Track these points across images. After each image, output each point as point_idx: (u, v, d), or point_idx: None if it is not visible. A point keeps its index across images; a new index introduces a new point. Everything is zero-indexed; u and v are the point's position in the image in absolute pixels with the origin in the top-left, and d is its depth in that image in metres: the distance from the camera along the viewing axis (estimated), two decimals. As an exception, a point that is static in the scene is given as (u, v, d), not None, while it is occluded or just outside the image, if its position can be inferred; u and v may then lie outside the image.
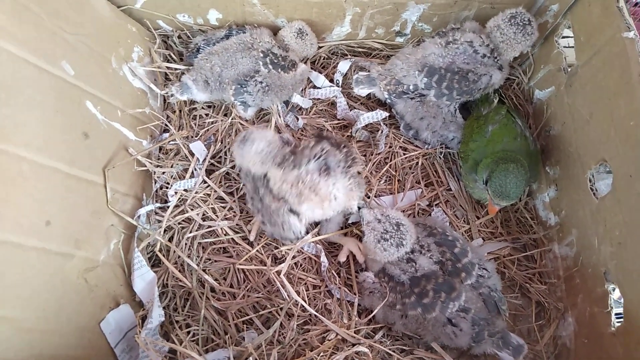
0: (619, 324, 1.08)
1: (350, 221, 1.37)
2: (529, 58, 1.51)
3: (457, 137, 1.43)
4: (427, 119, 1.42)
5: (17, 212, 0.97)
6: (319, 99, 1.56)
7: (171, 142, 1.44)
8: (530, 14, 1.35)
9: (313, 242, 1.31)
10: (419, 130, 1.46)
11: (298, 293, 1.24)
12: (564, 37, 1.38)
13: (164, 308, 1.23)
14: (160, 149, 1.46)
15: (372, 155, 1.48)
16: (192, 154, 1.42)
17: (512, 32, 1.32)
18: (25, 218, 0.98)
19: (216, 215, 1.36)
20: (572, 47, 1.30)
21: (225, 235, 1.35)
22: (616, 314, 1.10)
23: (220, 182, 1.41)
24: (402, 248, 1.15)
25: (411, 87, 1.39)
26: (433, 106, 1.39)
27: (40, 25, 1.10)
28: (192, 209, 1.36)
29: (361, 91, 1.48)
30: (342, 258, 1.31)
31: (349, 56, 1.63)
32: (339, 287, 1.28)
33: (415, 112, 1.42)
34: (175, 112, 1.50)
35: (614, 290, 1.12)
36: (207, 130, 1.47)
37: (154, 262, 1.33)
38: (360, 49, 1.64)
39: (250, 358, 1.08)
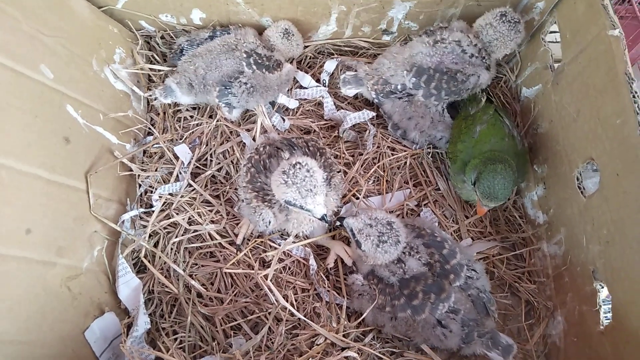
0: (607, 323, 1.08)
1: (337, 223, 1.36)
2: (516, 56, 1.50)
3: (445, 136, 1.42)
4: (415, 119, 1.40)
5: (-4, 221, 0.94)
6: (305, 99, 1.54)
7: (155, 146, 1.42)
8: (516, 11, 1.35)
9: (301, 245, 1.30)
10: (406, 130, 1.44)
11: (286, 297, 1.22)
12: (550, 34, 1.37)
13: (150, 315, 1.21)
14: (144, 152, 1.43)
15: (360, 155, 1.47)
16: (177, 157, 1.39)
17: (505, 29, 1.32)
18: (4, 227, 0.96)
19: (202, 219, 1.34)
20: (559, 43, 1.29)
21: (212, 239, 1.33)
22: (605, 313, 1.10)
23: (206, 185, 1.39)
24: (399, 245, 1.14)
25: (399, 87, 1.38)
26: (421, 106, 1.38)
27: (17, 29, 1.07)
28: (177, 214, 1.33)
29: (348, 91, 1.46)
30: (330, 263, 1.30)
31: (336, 55, 1.61)
32: (328, 290, 1.27)
33: (403, 112, 1.41)
34: (159, 114, 1.48)
35: (602, 288, 1.12)
36: (192, 132, 1.45)
37: (140, 268, 1.30)
38: (346, 48, 1.62)
39: (238, 365, 1.07)
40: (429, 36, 1.38)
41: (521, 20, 1.33)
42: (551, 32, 1.37)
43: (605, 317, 1.10)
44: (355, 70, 1.50)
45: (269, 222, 1.15)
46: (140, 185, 1.37)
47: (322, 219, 1.07)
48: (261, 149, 1.17)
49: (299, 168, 1.01)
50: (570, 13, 1.24)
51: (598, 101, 1.11)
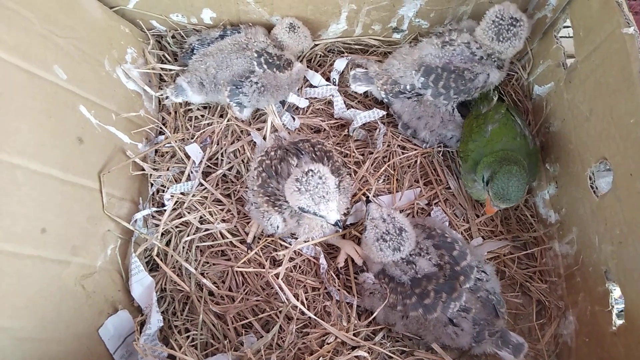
0: (620, 323, 1.07)
1: (348, 222, 1.36)
2: (528, 53, 1.49)
3: (455, 135, 1.42)
4: (424, 119, 1.40)
5: (11, 220, 0.95)
6: (315, 98, 1.54)
7: (167, 145, 1.43)
8: (520, 9, 1.31)
9: (312, 244, 1.30)
10: (416, 130, 1.44)
11: (297, 296, 1.23)
12: (564, 30, 1.35)
13: (162, 313, 1.23)
14: (155, 152, 1.44)
15: (370, 154, 1.46)
16: (188, 157, 1.40)
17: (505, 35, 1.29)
18: (19, 226, 0.97)
19: (214, 218, 1.35)
20: (572, 39, 1.27)
21: (223, 238, 1.34)
22: (617, 313, 1.10)
23: (217, 184, 1.40)
24: (397, 253, 1.15)
25: (408, 87, 1.38)
26: (430, 105, 1.38)
27: (31, 30, 1.08)
28: (189, 213, 1.34)
29: (358, 88, 1.46)
30: (340, 263, 1.30)
31: (346, 54, 1.61)
32: (339, 289, 1.27)
33: (413, 112, 1.40)
34: (170, 114, 1.49)
35: (614, 289, 1.11)
36: (203, 132, 1.46)
37: (152, 267, 1.32)
38: (357, 46, 1.61)
39: (250, 363, 1.08)
40: (438, 37, 1.38)
41: (518, 19, 1.29)
42: (564, 27, 1.35)
43: (618, 317, 1.09)
44: (366, 68, 1.50)
45: (277, 227, 1.17)
46: (152, 185, 1.38)
47: (336, 224, 1.09)
48: (272, 153, 1.18)
49: (312, 175, 1.03)
50: (584, 10, 1.22)
51: (611, 100, 1.10)
